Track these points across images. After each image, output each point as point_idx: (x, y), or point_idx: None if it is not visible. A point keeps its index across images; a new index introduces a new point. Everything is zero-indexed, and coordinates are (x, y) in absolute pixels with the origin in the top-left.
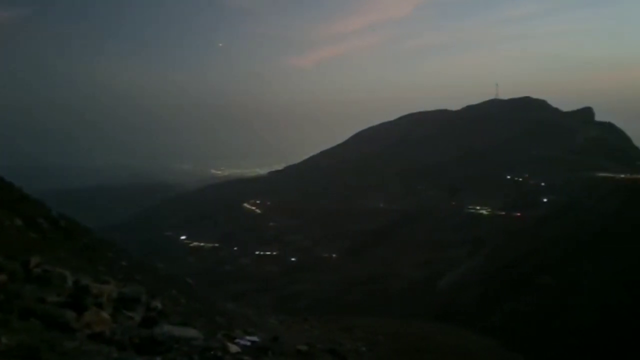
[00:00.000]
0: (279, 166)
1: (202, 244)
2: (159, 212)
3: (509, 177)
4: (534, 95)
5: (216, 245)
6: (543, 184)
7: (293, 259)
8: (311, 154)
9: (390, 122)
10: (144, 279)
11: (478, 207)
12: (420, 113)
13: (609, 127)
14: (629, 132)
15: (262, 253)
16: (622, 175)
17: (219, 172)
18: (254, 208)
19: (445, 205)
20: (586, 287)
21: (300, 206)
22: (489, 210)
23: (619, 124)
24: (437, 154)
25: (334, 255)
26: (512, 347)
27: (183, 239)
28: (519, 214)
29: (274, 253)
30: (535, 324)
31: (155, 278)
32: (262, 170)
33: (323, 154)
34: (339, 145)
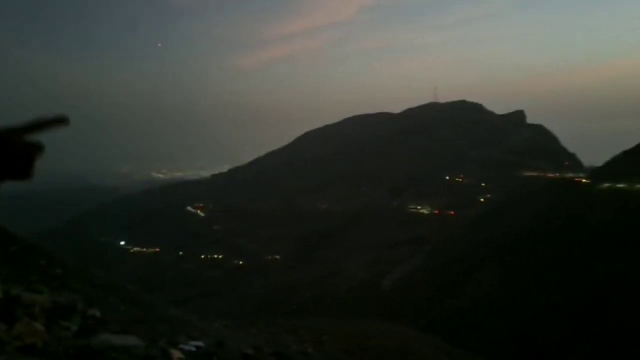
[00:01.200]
0: (223, 169)
1: (143, 249)
2: (97, 217)
3: (448, 177)
4: (470, 99)
5: (158, 250)
6: (480, 184)
7: (238, 263)
8: (256, 156)
9: (334, 125)
10: (80, 287)
11: (420, 207)
12: (363, 116)
13: (540, 129)
14: (558, 133)
15: (206, 257)
16: (552, 175)
17: (160, 175)
18: (197, 212)
19: (389, 206)
20: (522, 282)
21: (245, 209)
22: (430, 210)
23: (549, 125)
24: (380, 155)
25: (280, 258)
26: (454, 342)
27: (122, 245)
28: (458, 213)
29: (219, 257)
30: (476, 318)
31: (93, 286)
32: (206, 173)
33: (268, 156)
34: (284, 147)
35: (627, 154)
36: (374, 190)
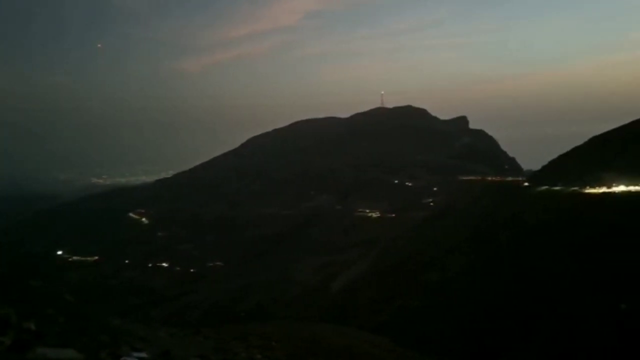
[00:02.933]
0: (167, 174)
1: (82, 258)
2: (32, 226)
3: (396, 181)
4: (416, 105)
5: (97, 258)
6: (426, 187)
7: (184, 269)
8: (201, 160)
9: (282, 129)
10: (14, 299)
11: (367, 211)
12: (310, 120)
13: (481, 133)
14: (498, 138)
15: (150, 265)
16: (493, 178)
17: (100, 181)
18: (140, 218)
19: (337, 210)
20: (468, 281)
21: (190, 215)
22: (378, 213)
23: (489, 130)
24: (328, 159)
25: (227, 264)
26: (402, 343)
27: (60, 254)
28: (405, 216)
29: (164, 264)
30: (423, 319)
31: (28, 297)
32: (149, 178)
33: (214, 160)
34: (230, 152)
35: (562, 157)
36: (322, 194)
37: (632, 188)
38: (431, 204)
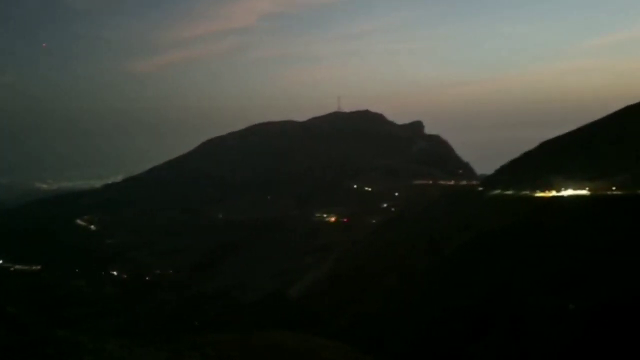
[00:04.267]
0: (117, 178)
1: (25, 267)
2: None
3: (354, 186)
4: (373, 109)
5: (40, 267)
6: (383, 191)
7: (135, 277)
8: (154, 164)
9: (237, 132)
10: None
11: (325, 215)
12: (267, 123)
13: (436, 138)
14: (453, 143)
15: (99, 273)
16: (448, 182)
17: (45, 186)
18: (88, 224)
19: (295, 215)
20: (424, 284)
21: (142, 221)
22: (336, 217)
23: (444, 135)
24: (286, 163)
25: (181, 271)
26: (360, 348)
27: (0, 263)
28: (362, 220)
29: (114, 272)
30: (382, 323)
31: None
32: (98, 183)
33: (167, 164)
34: (184, 156)
35: (514, 162)
36: (279, 199)
37: (579, 192)
38: (389, 208)
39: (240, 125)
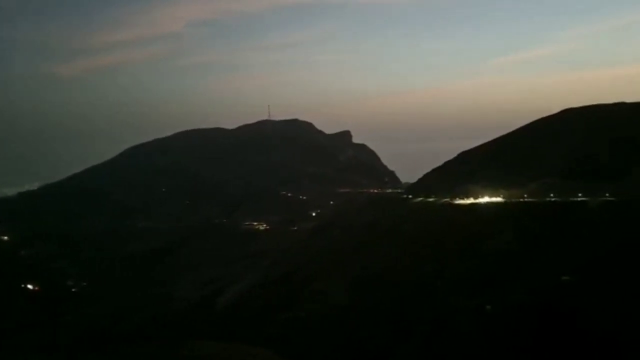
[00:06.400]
0: (33, 185)
1: None
2: None
3: (283, 193)
4: (302, 118)
5: None
6: (312, 199)
7: (55, 290)
8: (74, 171)
9: (165, 139)
10: None
11: (255, 223)
12: (196, 130)
13: (364, 148)
14: (379, 152)
15: (14, 287)
16: (374, 190)
17: None
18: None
19: (225, 223)
20: (352, 289)
21: (61, 230)
22: (266, 225)
23: (371, 145)
24: (215, 171)
25: (104, 282)
26: (289, 355)
27: None
28: (292, 228)
29: (30, 286)
30: (310, 329)
31: None
32: (11, 191)
33: (89, 170)
34: (108, 162)
35: (435, 170)
36: (208, 206)
37: (495, 199)
38: (318, 215)
39: (167, 132)
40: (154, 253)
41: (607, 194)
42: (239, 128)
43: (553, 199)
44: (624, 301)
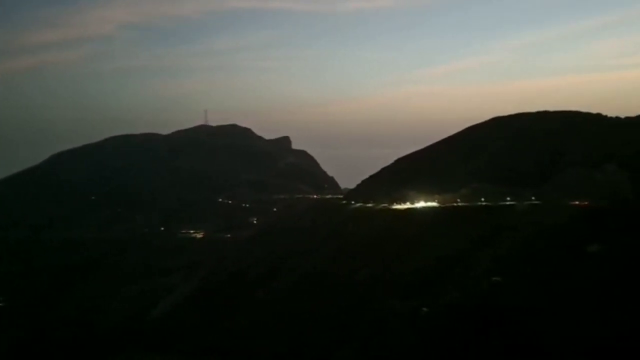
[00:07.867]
0: None
1: None
2: None
3: (220, 200)
4: (241, 124)
5: None
6: (251, 205)
7: None
8: None
9: (93, 144)
10: None
11: (192, 231)
12: (126, 136)
13: (303, 154)
14: (318, 158)
15: None
16: (314, 196)
17: None
18: None
19: (159, 232)
20: (293, 296)
21: None
22: (203, 233)
23: (311, 151)
24: (147, 178)
25: (27, 297)
26: None
27: None
28: (230, 235)
29: None
30: (251, 337)
31: None
32: None
33: (10, 178)
34: (31, 169)
35: (373, 176)
36: (140, 215)
37: (429, 204)
38: (258, 222)
39: (96, 137)
40: (82, 265)
41: (532, 197)
42: (174, 133)
43: (484, 203)
44: (550, 300)
